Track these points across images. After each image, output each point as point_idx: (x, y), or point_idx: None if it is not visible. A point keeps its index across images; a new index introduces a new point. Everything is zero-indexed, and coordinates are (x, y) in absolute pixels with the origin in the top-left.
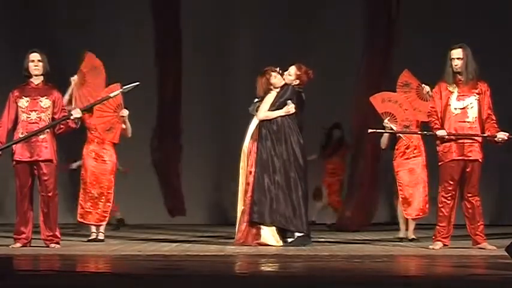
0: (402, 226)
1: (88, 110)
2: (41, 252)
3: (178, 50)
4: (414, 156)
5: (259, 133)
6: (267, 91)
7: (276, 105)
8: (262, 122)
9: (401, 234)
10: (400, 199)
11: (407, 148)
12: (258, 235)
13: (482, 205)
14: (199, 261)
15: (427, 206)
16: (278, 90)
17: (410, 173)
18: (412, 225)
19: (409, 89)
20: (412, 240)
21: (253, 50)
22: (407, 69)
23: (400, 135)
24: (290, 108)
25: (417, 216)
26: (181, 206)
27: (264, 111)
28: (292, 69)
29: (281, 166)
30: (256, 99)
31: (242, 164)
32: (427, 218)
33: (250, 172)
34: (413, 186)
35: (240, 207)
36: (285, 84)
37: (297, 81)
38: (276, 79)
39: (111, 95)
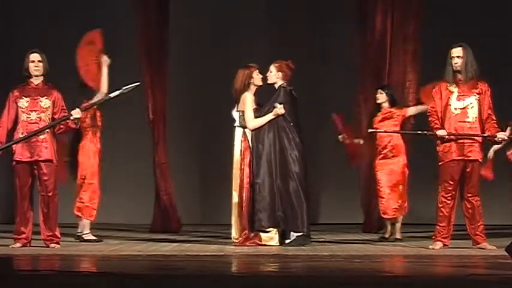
0: (387, 224)
1: (88, 110)
2: (41, 252)
3: (171, 51)
4: (393, 156)
5: (254, 137)
6: (245, 86)
7: (267, 109)
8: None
9: (386, 234)
10: (379, 198)
11: (384, 148)
12: (257, 238)
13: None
14: (199, 261)
15: (405, 205)
16: (254, 90)
17: (388, 174)
18: (398, 225)
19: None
20: (396, 240)
21: (250, 50)
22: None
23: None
24: (279, 110)
25: (393, 216)
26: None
27: (252, 120)
28: (272, 66)
29: (278, 167)
30: (235, 111)
31: (235, 171)
32: (428, 218)
33: (243, 177)
34: (391, 186)
35: (235, 211)
36: (278, 86)
37: (279, 75)
38: (258, 77)
39: (111, 95)
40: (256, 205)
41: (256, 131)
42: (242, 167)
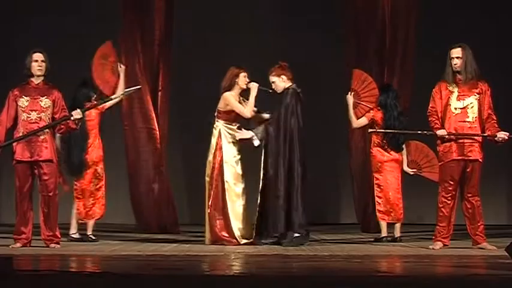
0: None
1: (88, 110)
2: (41, 252)
3: (170, 51)
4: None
5: (266, 144)
6: (230, 85)
7: (279, 112)
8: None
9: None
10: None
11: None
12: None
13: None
14: (199, 261)
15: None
16: (237, 91)
17: (395, 176)
18: (398, 224)
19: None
20: (396, 240)
21: (250, 50)
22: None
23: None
24: (254, 86)
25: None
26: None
27: (244, 110)
28: (270, 77)
29: (283, 168)
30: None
31: (208, 172)
32: (428, 218)
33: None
34: (396, 188)
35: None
36: (284, 89)
37: (284, 78)
38: (243, 79)
39: (113, 97)
40: (271, 212)
41: (270, 132)
42: (214, 166)
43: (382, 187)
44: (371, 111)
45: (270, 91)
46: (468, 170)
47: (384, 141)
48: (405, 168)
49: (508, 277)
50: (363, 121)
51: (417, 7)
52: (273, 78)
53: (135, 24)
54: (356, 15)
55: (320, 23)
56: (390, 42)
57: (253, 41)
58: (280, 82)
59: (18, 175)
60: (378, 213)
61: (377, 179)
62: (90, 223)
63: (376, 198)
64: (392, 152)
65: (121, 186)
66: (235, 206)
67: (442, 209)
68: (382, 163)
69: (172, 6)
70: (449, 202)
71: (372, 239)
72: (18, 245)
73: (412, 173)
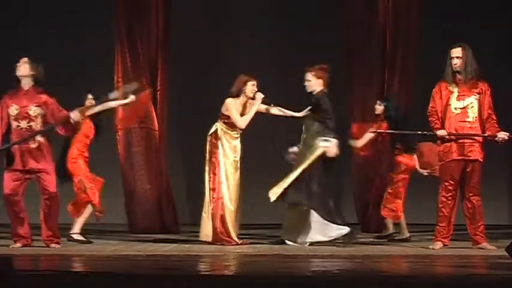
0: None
1: (88, 113)
2: (41, 252)
3: (169, 51)
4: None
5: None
6: (237, 92)
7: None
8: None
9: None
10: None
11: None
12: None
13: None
14: (199, 261)
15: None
16: (243, 100)
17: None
18: (404, 223)
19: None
20: (407, 239)
21: (250, 50)
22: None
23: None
24: (258, 97)
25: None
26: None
27: (240, 120)
28: (308, 75)
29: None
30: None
31: (207, 172)
32: (428, 218)
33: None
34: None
35: (206, 209)
36: (318, 91)
37: (320, 82)
38: (250, 88)
39: (113, 104)
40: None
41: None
42: (212, 167)
43: (397, 186)
44: (372, 127)
45: (272, 105)
46: (468, 169)
47: (398, 147)
48: (418, 169)
49: (508, 277)
50: (371, 135)
51: (417, 7)
52: (310, 77)
53: (134, 23)
54: (356, 15)
55: (320, 23)
56: (391, 43)
57: (253, 41)
58: (317, 84)
59: (9, 183)
60: (383, 211)
61: (397, 179)
62: (77, 220)
63: (387, 195)
64: (412, 157)
65: (120, 186)
66: (230, 207)
67: (442, 209)
68: (406, 167)
69: (171, 5)
70: (449, 202)
71: (372, 239)
72: (18, 245)
73: (426, 174)
